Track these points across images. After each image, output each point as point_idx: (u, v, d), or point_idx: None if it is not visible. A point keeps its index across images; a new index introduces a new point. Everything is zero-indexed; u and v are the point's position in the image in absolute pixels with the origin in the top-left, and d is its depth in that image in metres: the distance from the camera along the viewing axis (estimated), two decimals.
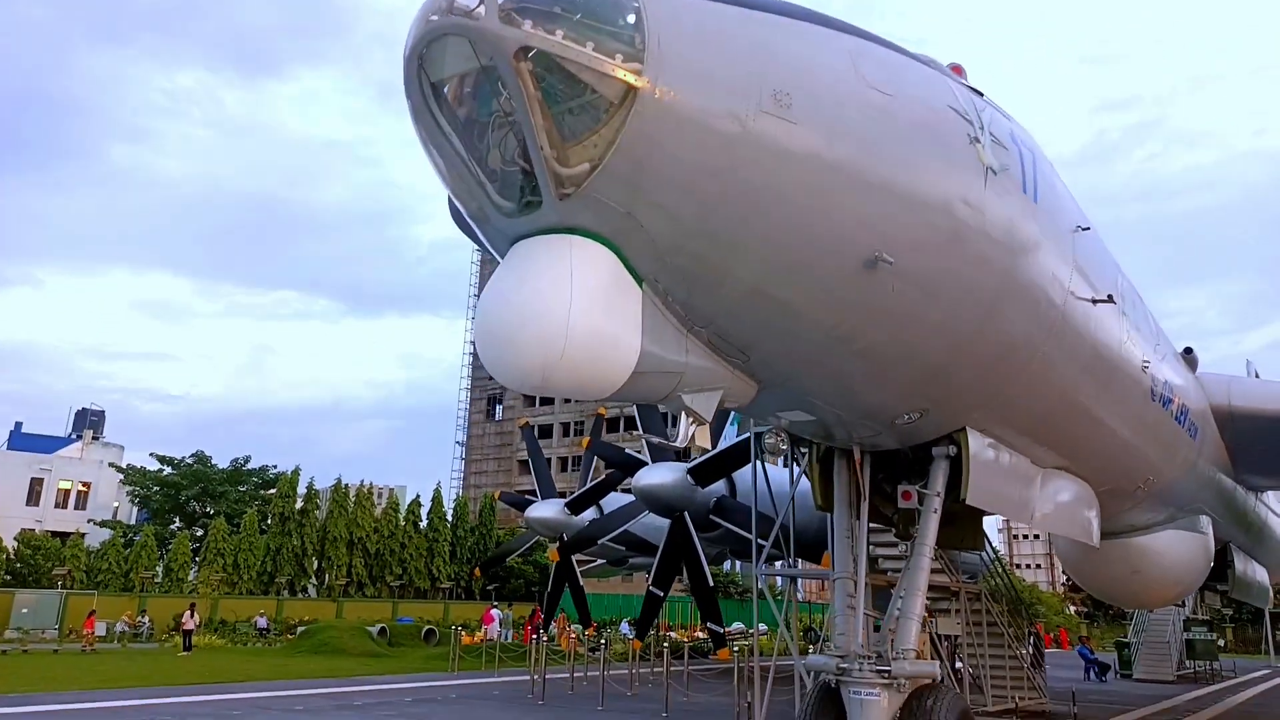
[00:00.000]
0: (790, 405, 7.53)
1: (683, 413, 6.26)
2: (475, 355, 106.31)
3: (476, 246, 8.65)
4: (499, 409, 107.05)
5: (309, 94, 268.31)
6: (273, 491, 52.41)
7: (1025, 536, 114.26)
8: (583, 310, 5.29)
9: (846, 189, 5.81)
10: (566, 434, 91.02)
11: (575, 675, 22.88)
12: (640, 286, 5.67)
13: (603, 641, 24.71)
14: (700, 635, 37.33)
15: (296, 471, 50.26)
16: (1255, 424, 14.85)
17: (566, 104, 5.13)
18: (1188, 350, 14.35)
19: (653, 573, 19.68)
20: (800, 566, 15.41)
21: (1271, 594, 29.55)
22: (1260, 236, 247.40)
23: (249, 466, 56.81)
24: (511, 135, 5.33)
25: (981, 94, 7.50)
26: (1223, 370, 16.38)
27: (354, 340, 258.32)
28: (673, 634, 36.17)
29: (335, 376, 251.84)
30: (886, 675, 7.86)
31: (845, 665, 8.10)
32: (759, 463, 14.37)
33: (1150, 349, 10.99)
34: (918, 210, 6.25)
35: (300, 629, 35.83)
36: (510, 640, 32.73)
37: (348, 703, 18.32)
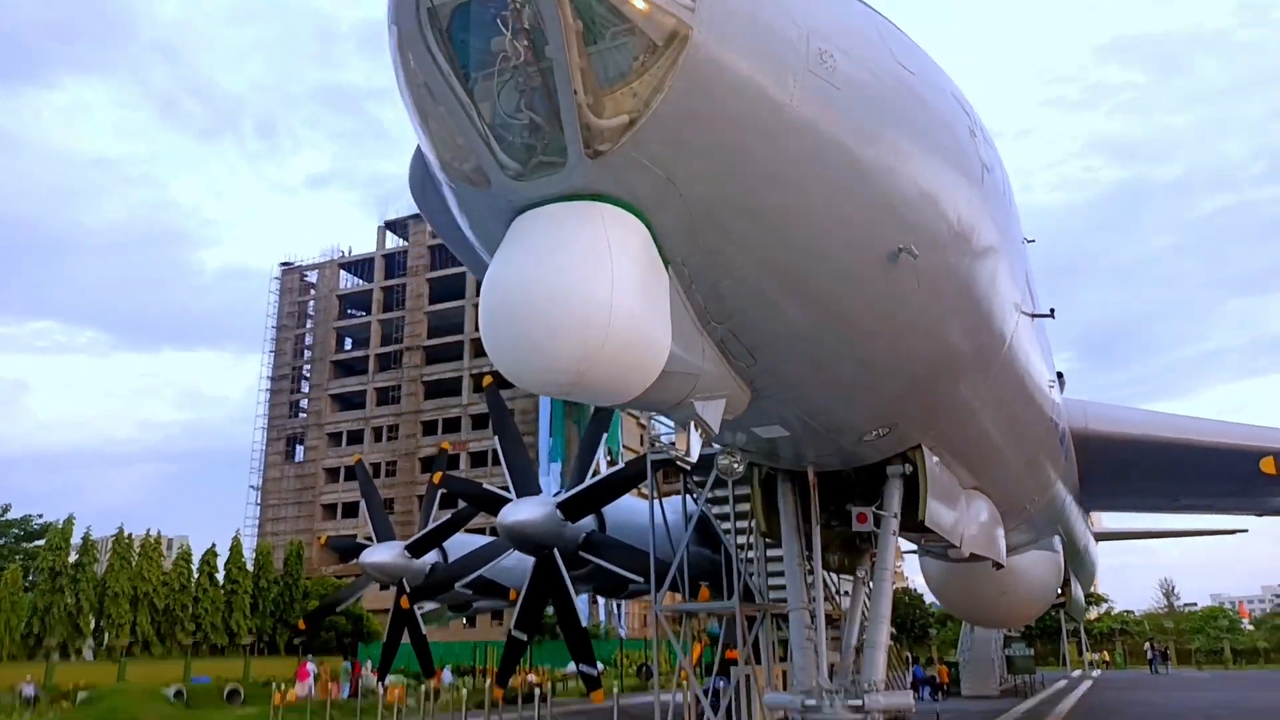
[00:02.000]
0: (771, 419, 6.97)
1: (691, 423, 5.54)
2: (271, 392, 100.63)
3: (433, 230, 7.45)
4: (300, 449, 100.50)
5: (78, 105, 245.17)
6: (38, 544, 46.06)
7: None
8: (625, 293, 4.51)
9: (878, 169, 5.38)
10: (377, 474, 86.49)
11: None
12: (667, 269, 4.94)
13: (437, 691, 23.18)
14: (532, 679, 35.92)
15: (70, 521, 44.58)
16: (1109, 446, 15.80)
17: (609, 41, 4.36)
18: (1059, 375, 15.13)
19: (516, 614, 18.45)
20: (681, 601, 14.81)
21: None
22: None
23: (8, 516, 49.79)
24: (526, 81, 4.46)
25: None
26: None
27: (125, 377, 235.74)
28: (532, 678, 34.65)
29: (104, 417, 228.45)
30: (858, 710, 7.36)
31: (812, 702, 7.54)
32: (653, 491, 13.70)
33: (1050, 368, 11.34)
34: (935, 202, 5.91)
35: (80, 695, 31.29)
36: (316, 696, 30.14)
37: None
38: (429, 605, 30.36)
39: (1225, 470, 16.33)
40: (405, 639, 24.75)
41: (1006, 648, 32.57)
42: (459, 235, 5.65)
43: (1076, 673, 49.75)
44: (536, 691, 17.88)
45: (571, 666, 46.29)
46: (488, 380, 20.05)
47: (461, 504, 25.00)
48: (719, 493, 14.22)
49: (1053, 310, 8.96)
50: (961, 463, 9.45)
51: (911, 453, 8.23)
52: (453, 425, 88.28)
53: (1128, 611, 72.36)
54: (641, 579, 17.52)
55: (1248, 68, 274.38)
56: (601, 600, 61.66)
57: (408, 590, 22.03)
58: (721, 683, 14.13)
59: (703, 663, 28.78)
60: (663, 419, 14.14)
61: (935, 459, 8.46)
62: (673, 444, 14.25)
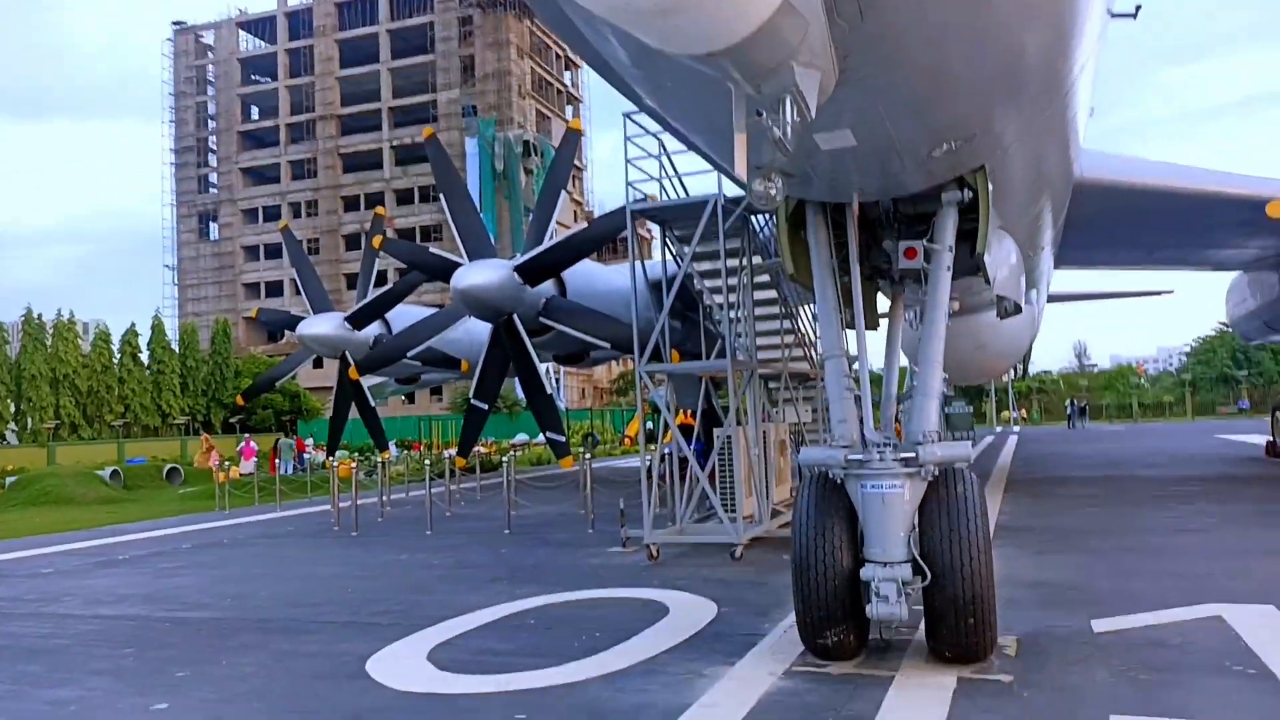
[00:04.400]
0: (844, 120, 5.52)
1: (787, 99, 4.10)
2: (177, 165, 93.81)
3: None
4: (214, 227, 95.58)
5: None
6: None
7: None
8: None
9: None
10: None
11: (363, 502, 20.63)
12: None
13: (384, 463, 22.66)
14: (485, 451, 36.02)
15: None
16: (1105, 195, 14.83)
17: None
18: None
19: (475, 384, 17.46)
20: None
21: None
22: None
23: None
24: None
25: None
26: None
27: (17, 156, 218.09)
28: (479, 449, 34.63)
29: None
30: (912, 463, 6.48)
31: (857, 456, 6.62)
32: (634, 246, 12.33)
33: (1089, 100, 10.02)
34: None
35: (9, 480, 30.18)
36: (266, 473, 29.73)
37: (110, 557, 15.02)
38: (370, 380, 29.46)
39: (1227, 218, 15.68)
40: (352, 415, 23.87)
41: (946, 405, 33.36)
42: None
43: (1000, 429, 52.51)
44: (505, 459, 17.22)
45: (519, 436, 46.93)
46: (429, 133, 17.78)
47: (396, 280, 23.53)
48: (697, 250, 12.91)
49: (1138, 8, 7.49)
50: (1003, 195, 8.28)
51: (971, 176, 6.96)
52: (375, 201, 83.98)
53: (1045, 372, 76.19)
54: (608, 345, 16.55)
55: None
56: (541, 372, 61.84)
57: (351, 363, 20.78)
58: (694, 449, 13.52)
59: (643, 430, 29.01)
60: (639, 166, 12.53)
61: (991, 186, 7.22)
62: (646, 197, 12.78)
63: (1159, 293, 48.81)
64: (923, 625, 6.64)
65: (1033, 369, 75.31)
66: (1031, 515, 14.41)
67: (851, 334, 7.63)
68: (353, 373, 20.44)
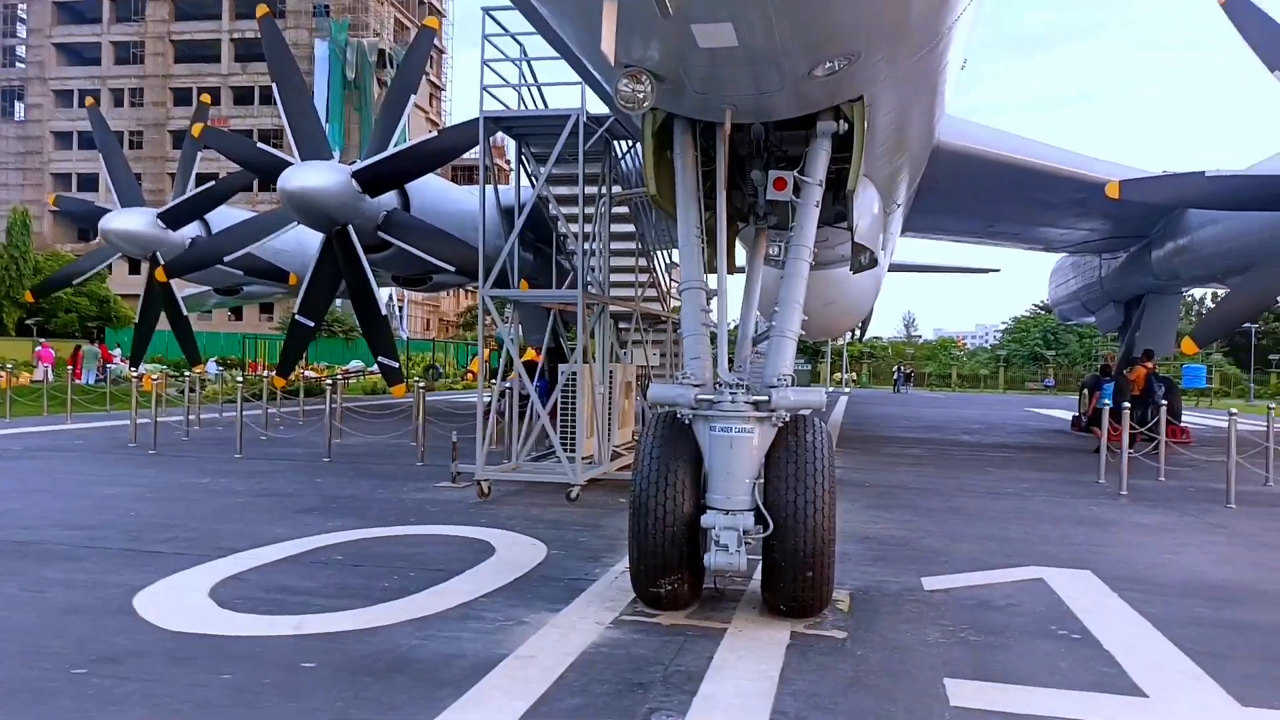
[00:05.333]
0: (722, 13, 4.89)
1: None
2: None
3: None
4: (19, 106, 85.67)
5: None
6: None
7: None
8: None
9: None
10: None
11: (170, 419, 18.88)
12: None
13: (202, 381, 20.86)
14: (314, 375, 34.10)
15: None
16: (955, 163, 15.02)
17: None
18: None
19: (300, 298, 16.00)
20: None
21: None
22: None
23: None
24: None
25: None
26: None
27: None
28: (310, 373, 32.56)
29: None
30: (764, 407, 6.08)
31: (707, 397, 6.16)
32: (485, 155, 11.35)
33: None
34: None
35: None
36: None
37: None
38: (190, 289, 26.98)
39: (1067, 197, 16.25)
40: (165, 327, 21.67)
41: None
42: None
43: (832, 389, 54.55)
44: (329, 384, 15.97)
45: (354, 363, 44.77)
46: (264, 10, 15.87)
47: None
48: (553, 172, 12.10)
49: None
50: (873, 137, 7.96)
51: (849, 107, 6.54)
52: (211, 99, 77.34)
53: (876, 338, 79.79)
54: (452, 268, 15.53)
55: None
56: (383, 299, 59.28)
57: (162, 263, 18.72)
58: (537, 385, 12.87)
59: (488, 366, 28.02)
60: (497, 70, 11.53)
61: (867, 122, 6.83)
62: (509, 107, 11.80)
63: (987, 270, 51.61)
64: (758, 576, 6.32)
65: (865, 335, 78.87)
66: (862, 470, 14.66)
67: (713, 278, 7.17)
68: (160, 274, 18.42)
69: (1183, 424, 20.53)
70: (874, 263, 10.64)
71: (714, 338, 6.74)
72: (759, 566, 6.27)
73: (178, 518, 9.60)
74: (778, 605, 6.05)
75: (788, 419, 6.17)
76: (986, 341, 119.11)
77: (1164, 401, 15.03)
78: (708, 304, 6.78)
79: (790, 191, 6.74)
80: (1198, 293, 55.66)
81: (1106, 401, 17.93)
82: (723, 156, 6.65)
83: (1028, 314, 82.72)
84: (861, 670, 5.11)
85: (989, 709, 4.56)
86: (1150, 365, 19.98)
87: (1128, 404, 14.58)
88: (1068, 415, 28.88)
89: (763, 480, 6.06)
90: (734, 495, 5.98)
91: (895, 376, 59.42)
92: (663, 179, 7.04)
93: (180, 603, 6.37)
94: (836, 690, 4.79)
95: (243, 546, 8.14)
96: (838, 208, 7.80)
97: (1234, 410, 12.64)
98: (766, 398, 6.12)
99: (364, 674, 4.96)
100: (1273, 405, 13.66)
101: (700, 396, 6.20)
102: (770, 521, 5.85)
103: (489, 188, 12.12)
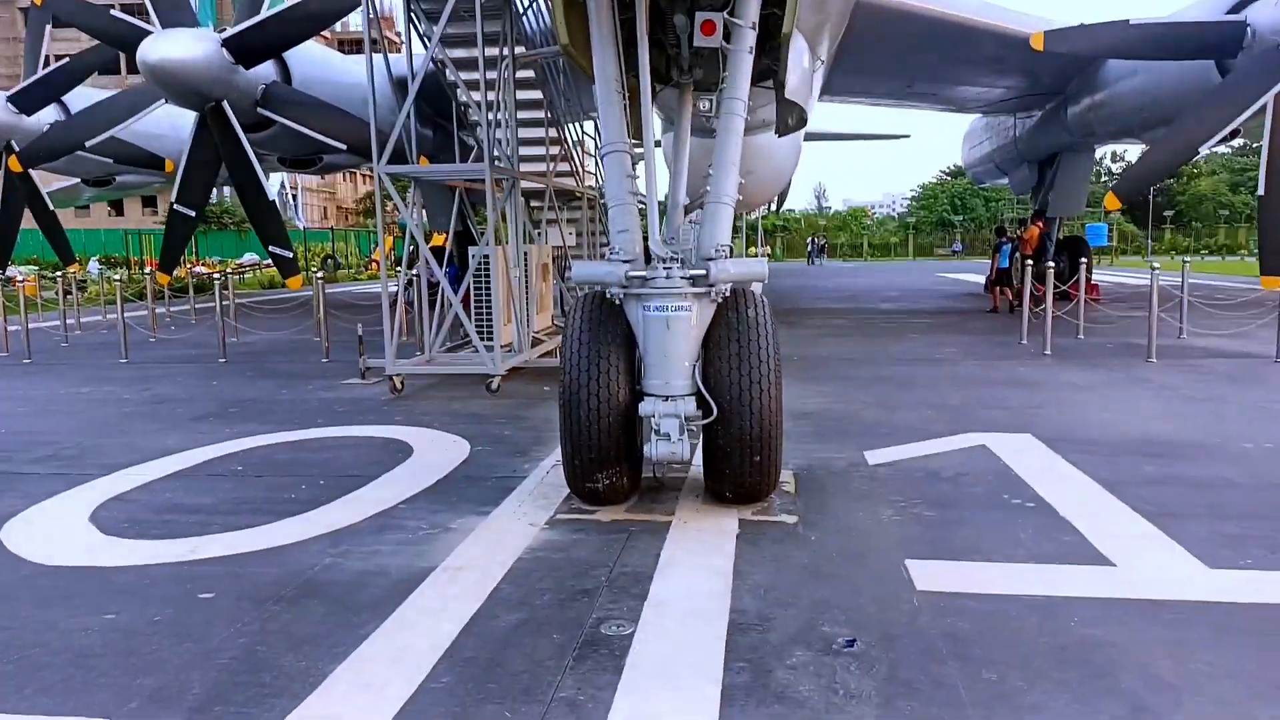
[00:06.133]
0: None
1: None
2: None
3: None
4: None
5: None
6: None
7: None
8: None
9: None
10: None
11: (47, 325, 17.42)
12: None
13: (83, 283, 19.23)
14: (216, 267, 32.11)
15: None
16: (877, 18, 14.27)
17: None
18: None
19: (177, 185, 14.52)
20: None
21: None
22: None
23: None
24: None
25: None
26: None
27: None
28: (201, 269, 30.50)
29: None
30: (702, 282, 5.53)
31: (638, 273, 5.57)
32: (367, 12, 10.12)
33: None
34: None
35: None
36: None
37: None
38: (59, 183, 24.64)
39: (989, 52, 15.74)
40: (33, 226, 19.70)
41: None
42: None
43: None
44: (218, 279, 14.75)
45: (248, 256, 42.40)
46: None
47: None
48: (448, 33, 10.93)
49: None
50: None
51: None
52: None
53: (789, 211, 79.57)
54: (342, 145, 14.21)
55: None
56: (275, 188, 55.89)
57: (16, 150, 16.79)
58: (447, 272, 12.02)
59: (394, 253, 26.69)
60: None
61: None
62: None
63: (898, 136, 51.35)
64: (698, 461, 5.91)
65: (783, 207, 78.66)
66: (787, 345, 14.33)
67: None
68: (13, 163, 16.54)
69: (1092, 280, 20.90)
70: (803, 122, 9.98)
71: (644, 210, 6.07)
72: (698, 450, 5.85)
73: (56, 433, 8.69)
74: (723, 492, 5.66)
75: (727, 293, 5.64)
76: (894, 210, 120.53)
77: (1052, 263, 14.94)
78: (634, 169, 6.08)
79: (720, 37, 5.98)
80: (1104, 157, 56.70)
81: (1006, 265, 18.17)
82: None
83: (934, 180, 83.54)
84: (818, 558, 4.78)
85: (958, 591, 4.28)
86: (1041, 225, 20.22)
87: (1030, 261, 14.59)
88: (979, 279, 29.29)
89: (702, 361, 5.57)
90: (673, 379, 5.48)
91: (809, 249, 59.56)
92: (574, 24, 6.19)
93: (56, 531, 5.64)
94: (795, 582, 4.44)
95: (129, 462, 7.35)
96: (765, 62, 7.08)
97: (1156, 265, 12.68)
98: (704, 271, 5.56)
99: (270, 602, 4.39)
100: (1188, 259, 13.78)
101: (631, 273, 5.61)
102: (714, 405, 5.39)
103: (378, 57, 10.92)
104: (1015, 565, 4.61)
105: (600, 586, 4.45)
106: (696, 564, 4.70)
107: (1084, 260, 15.02)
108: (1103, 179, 64.59)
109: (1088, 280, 16.71)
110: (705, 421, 5.46)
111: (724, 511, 5.58)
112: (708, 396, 5.42)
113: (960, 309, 20.97)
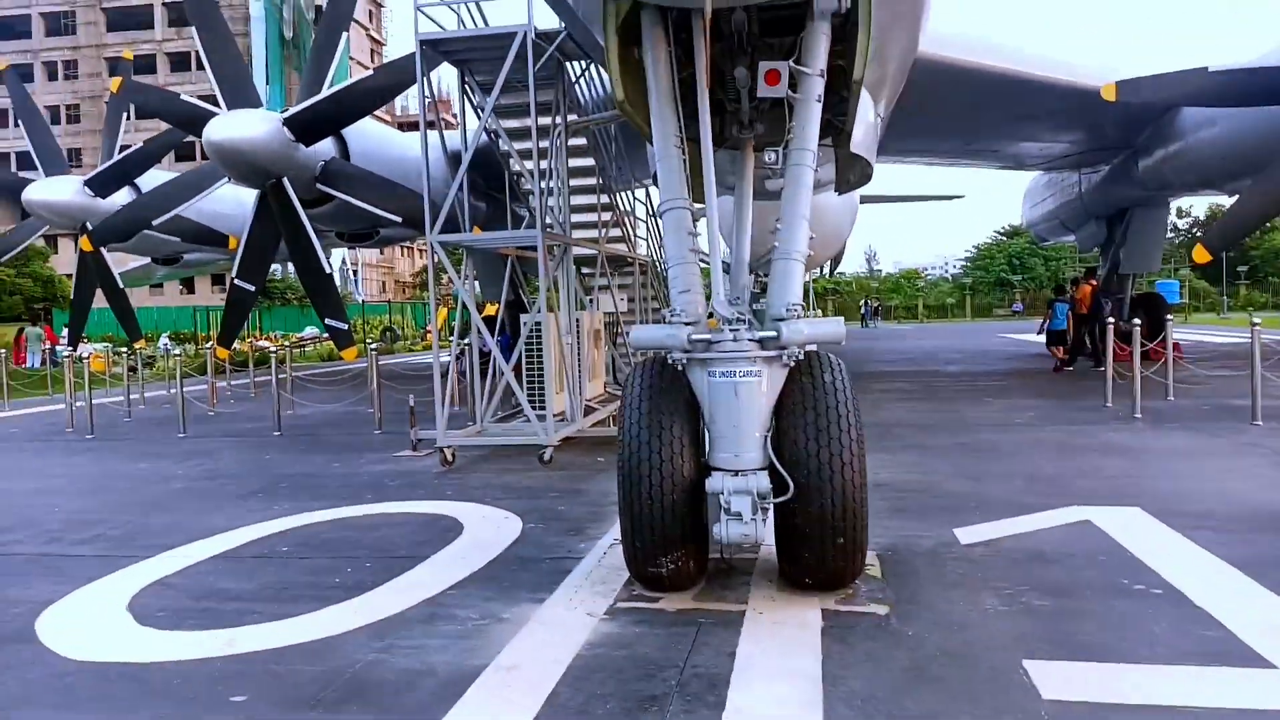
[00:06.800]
0: None
1: None
2: None
3: None
4: None
5: None
6: None
7: None
8: None
9: None
10: (56, 121, 71.91)
11: (110, 401, 17.56)
12: None
13: (150, 359, 19.48)
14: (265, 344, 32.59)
15: None
16: (938, 75, 13.92)
17: None
18: None
19: (238, 261, 14.68)
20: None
21: None
22: None
23: None
24: None
25: None
26: None
27: None
28: (264, 343, 31.02)
29: None
30: (772, 344, 5.08)
31: (702, 336, 5.15)
32: (423, 89, 10.09)
33: None
34: None
35: None
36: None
37: None
38: (133, 263, 25.32)
39: (1053, 107, 15.27)
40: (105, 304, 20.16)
41: (754, 302, 33.01)
42: None
43: None
44: (274, 352, 14.76)
45: (309, 330, 43.12)
46: None
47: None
48: (501, 103, 10.87)
49: None
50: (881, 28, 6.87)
51: None
52: (147, 68, 73.80)
53: (840, 273, 78.88)
54: (399, 219, 14.22)
55: None
56: (336, 264, 57.22)
57: (89, 230, 17.20)
58: (499, 340, 11.77)
59: (448, 324, 26.78)
60: None
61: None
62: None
63: (953, 197, 50.99)
64: (771, 543, 5.37)
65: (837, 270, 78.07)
66: None
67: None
68: (84, 243, 16.94)
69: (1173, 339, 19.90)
70: (867, 178, 9.59)
71: (706, 269, 5.68)
72: (768, 529, 5.32)
73: (105, 511, 8.48)
74: (802, 578, 5.11)
75: (800, 357, 5.18)
76: (948, 272, 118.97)
77: (1111, 319, 14.23)
78: (694, 227, 5.71)
79: (785, 86, 5.63)
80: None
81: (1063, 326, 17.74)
82: (703, 52, 5.51)
83: (990, 241, 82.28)
84: (920, 658, 4.19)
85: (1093, 700, 3.66)
86: (1094, 283, 19.59)
87: (1110, 320, 13.89)
88: (1044, 339, 28.28)
89: (774, 432, 5.09)
90: (743, 452, 5.00)
91: (863, 311, 58.75)
92: (630, 80, 5.91)
93: (92, 622, 5.31)
94: (897, 689, 3.86)
95: (173, 543, 7.06)
96: (825, 116, 6.70)
97: (1258, 320, 11.82)
98: (775, 333, 5.12)
99: (308, 708, 3.95)
100: (1258, 318, 12.79)
101: (695, 336, 5.19)
102: (790, 481, 4.88)
103: (433, 132, 10.88)
104: (1154, 667, 3.97)
105: (670, 693, 3.92)
106: (779, 666, 4.15)
107: (1169, 318, 14.16)
108: (1168, 234, 62.80)
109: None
110: (781, 500, 4.95)
111: (804, 600, 5.02)
112: (782, 471, 4.92)
113: (1031, 370, 20.11)
